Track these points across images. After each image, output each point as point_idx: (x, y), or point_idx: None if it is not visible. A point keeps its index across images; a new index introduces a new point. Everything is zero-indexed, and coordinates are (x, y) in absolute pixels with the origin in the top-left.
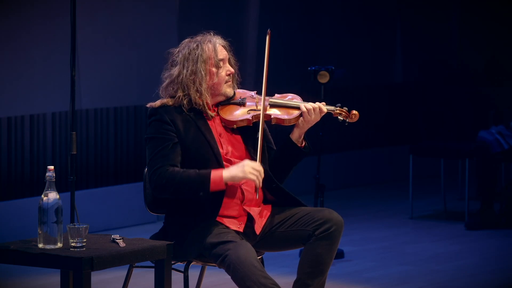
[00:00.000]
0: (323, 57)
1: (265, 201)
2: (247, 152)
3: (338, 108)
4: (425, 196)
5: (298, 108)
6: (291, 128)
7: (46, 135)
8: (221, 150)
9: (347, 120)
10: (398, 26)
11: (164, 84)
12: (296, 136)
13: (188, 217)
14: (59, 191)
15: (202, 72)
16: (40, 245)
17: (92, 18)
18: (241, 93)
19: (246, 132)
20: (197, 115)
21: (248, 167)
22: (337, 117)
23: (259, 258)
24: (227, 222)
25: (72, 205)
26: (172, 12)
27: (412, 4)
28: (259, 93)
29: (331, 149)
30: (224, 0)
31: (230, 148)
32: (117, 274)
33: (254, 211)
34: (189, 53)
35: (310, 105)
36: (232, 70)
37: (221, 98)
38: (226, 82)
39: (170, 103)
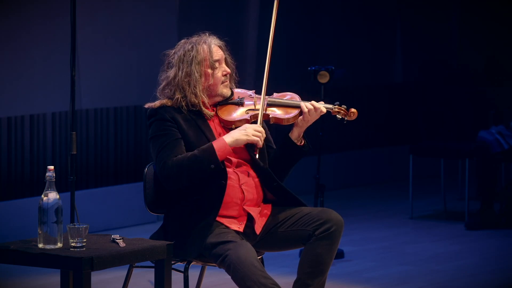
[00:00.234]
0: (323, 57)
1: (265, 201)
2: (247, 152)
3: (336, 106)
4: (425, 196)
5: (296, 107)
6: (290, 127)
7: (46, 135)
8: None
9: (346, 118)
10: (398, 26)
11: (161, 86)
12: (296, 135)
13: (188, 216)
14: (59, 191)
15: (197, 74)
16: (40, 245)
17: (92, 18)
18: (239, 92)
19: None
20: (197, 115)
21: (250, 129)
22: (335, 115)
23: (259, 258)
24: (227, 222)
25: (72, 205)
26: (172, 12)
27: (412, 4)
28: (257, 92)
29: (331, 149)
30: (224, 0)
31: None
32: (117, 274)
33: (254, 211)
34: (184, 55)
35: (308, 104)
36: (229, 70)
37: (218, 99)
38: (223, 82)
39: (169, 104)
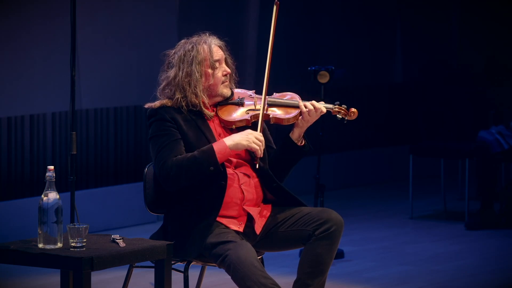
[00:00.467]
0: (323, 57)
1: (265, 201)
2: (247, 152)
3: (336, 106)
4: (425, 196)
5: (297, 107)
6: (291, 127)
7: (46, 135)
8: None
9: (346, 118)
10: (398, 26)
11: (161, 86)
12: (296, 135)
13: (188, 217)
14: (59, 191)
15: (197, 74)
16: (40, 245)
17: (92, 18)
18: (239, 92)
19: None
20: (197, 115)
21: (252, 136)
22: (336, 115)
23: (259, 258)
24: (227, 222)
25: (72, 205)
26: (172, 12)
27: (412, 4)
28: (257, 92)
29: (331, 149)
30: (224, 0)
31: None
32: (117, 274)
33: (254, 211)
34: (184, 55)
35: (309, 104)
36: (229, 70)
37: (218, 99)
38: (223, 82)
39: (169, 104)
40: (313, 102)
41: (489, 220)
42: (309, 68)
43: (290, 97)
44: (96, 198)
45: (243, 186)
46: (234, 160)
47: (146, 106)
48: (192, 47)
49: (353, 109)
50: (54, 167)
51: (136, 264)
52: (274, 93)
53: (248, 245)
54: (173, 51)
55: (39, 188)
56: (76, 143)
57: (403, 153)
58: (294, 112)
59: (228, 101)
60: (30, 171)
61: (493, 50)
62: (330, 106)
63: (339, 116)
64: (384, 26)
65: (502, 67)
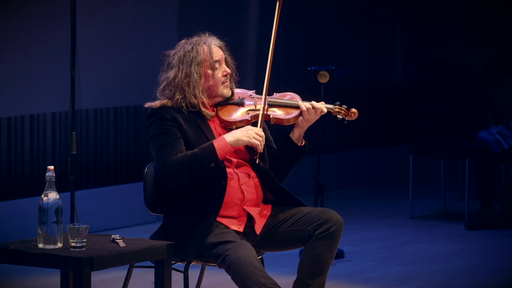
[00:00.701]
0: (323, 57)
1: (265, 201)
2: (247, 152)
3: (337, 106)
4: (425, 196)
5: (297, 107)
6: (291, 127)
7: (46, 135)
8: None
9: (346, 119)
10: (398, 26)
11: (161, 86)
12: (296, 135)
13: (188, 217)
14: (59, 191)
15: (196, 75)
16: (40, 245)
17: (92, 18)
18: (239, 93)
19: None
20: (197, 115)
21: (252, 131)
22: (336, 115)
23: (259, 258)
24: (227, 222)
25: (72, 205)
26: (172, 12)
27: (412, 4)
28: (258, 92)
29: (331, 149)
30: (224, 0)
31: None
32: (117, 274)
33: (254, 211)
34: (183, 56)
35: (309, 104)
36: (229, 70)
37: (219, 99)
38: (223, 83)
39: (169, 104)
40: (313, 102)
41: (489, 220)
42: (309, 68)
43: (290, 97)
44: (96, 198)
45: (243, 186)
46: (234, 160)
47: (146, 105)
48: (192, 47)
49: (353, 110)
50: (54, 167)
51: (136, 264)
52: (275, 93)
53: (248, 245)
54: (173, 52)
55: (39, 188)
56: (76, 143)
57: (403, 153)
58: (295, 113)
59: (228, 101)
60: (30, 171)
61: (493, 50)
62: (331, 106)
63: (339, 116)
64: (384, 26)
65: (502, 67)
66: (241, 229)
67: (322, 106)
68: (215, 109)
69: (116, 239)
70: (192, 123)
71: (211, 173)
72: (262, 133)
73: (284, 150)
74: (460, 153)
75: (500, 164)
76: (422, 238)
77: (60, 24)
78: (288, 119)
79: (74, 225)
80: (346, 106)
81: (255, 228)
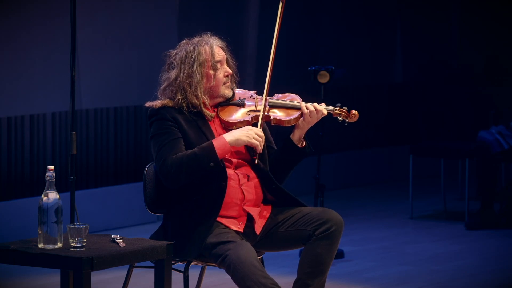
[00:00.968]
0: (323, 57)
1: (265, 202)
2: (247, 152)
3: (337, 108)
4: (425, 196)
5: (298, 108)
6: (292, 128)
7: (46, 135)
8: None
9: (347, 120)
10: (398, 26)
11: (162, 86)
12: (297, 137)
13: (188, 217)
14: (59, 191)
15: (198, 76)
16: (40, 245)
17: (92, 18)
18: (240, 93)
19: None
20: (198, 116)
21: (252, 132)
22: (336, 117)
23: (259, 258)
24: (227, 222)
25: (72, 205)
26: (172, 12)
27: (412, 4)
28: (259, 93)
29: (331, 149)
30: (224, 0)
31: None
32: (117, 274)
33: (254, 211)
34: (185, 56)
35: (310, 105)
36: (230, 71)
37: (220, 100)
38: (224, 83)
39: (170, 104)
40: (314, 104)
41: (489, 220)
42: (309, 68)
43: (291, 98)
44: (96, 198)
45: (243, 187)
46: (234, 160)
47: (147, 105)
48: (194, 48)
49: (354, 112)
50: (54, 167)
51: (136, 264)
52: (275, 94)
53: (248, 245)
54: (175, 52)
55: (39, 188)
56: (76, 143)
57: (403, 153)
58: (295, 114)
59: (229, 102)
60: (30, 171)
61: (493, 50)
62: (331, 108)
63: (340, 118)
64: (384, 26)
65: (502, 67)
66: (241, 229)
67: (323, 108)
68: (215, 110)
69: (116, 239)
70: (192, 123)
71: (210, 173)
72: (262, 134)
73: (284, 151)
74: (460, 153)
75: (500, 164)
76: (422, 238)
77: (60, 24)
78: (289, 121)
79: (74, 225)
80: (346, 108)
81: (255, 228)
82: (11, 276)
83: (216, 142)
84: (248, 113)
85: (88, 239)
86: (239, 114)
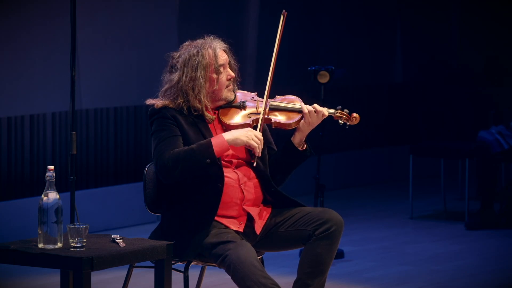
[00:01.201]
0: (323, 57)
1: (265, 202)
2: (247, 154)
3: (338, 111)
4: (425, 196)
5: (299, 111)
6: (293, 131)
7: (46, 135)
8: None
9: (348, 123)
10: (398, 26)
11: (164, 88)
12: (298, 140)
13: (188, 217)
14: (59, 191)
15: (201, 80)
16: (40, 245)
17: (92, 18)
18: (241, 95)
19: None
20: (198, 118)
21: (252, 133)
22: (337, 120)
23: (259, 258)
24: (227, 222)
25: (72, 205)
26: (172, 12)
27: (412, 4)
28: (259, 95)
29: (331, 149)
30: (224, 0)
31: (230, 151)
32: (117, 274)
33: (254, 211)
34: (189, 59)
35: (311, 107)
36: (233, 74)
37: (221, 102)
38: (227, 86)
39: (171, 105)
40: (315, 105)
41: (489, 220)
42: (309, 68)
43: (292, 100)
44: (96, 198)
45: (243, 186)
46: (234, 160)
47: (148, 102)
48: (197, 51)
49: (355, 114)
50: (54, 167)
51: (136, 264)
52: (276, 96)
53: (248, 245)
54: (178, 54)
55: (39, 188)
56: (76, 143)
57: (403, 153)
58: (296, 117)
59: (230, 105)
60: (30, 171)
61: (493, 50)
62: (332, 111)
63: (340, 121)
64: (384, 26)
65: (502, 67)
66: (241, 229)
67: (324, 110)
68: (216, 112)
69: (116, 239)
70: (192, 124)
71: (207, 171)
72: (261, 137)
73: (285, 154)
74: (460, 153)
75: (500, 164)
76: (422, 238)
77: (60, 24)
78: (290, 124)
79: (74, 225)
80: (347, 111)
81: (255, 228)
82: (11, 276)
83: (214, 140)
84: (249, 116)
85: (88, 239)
86: (240, 117)
